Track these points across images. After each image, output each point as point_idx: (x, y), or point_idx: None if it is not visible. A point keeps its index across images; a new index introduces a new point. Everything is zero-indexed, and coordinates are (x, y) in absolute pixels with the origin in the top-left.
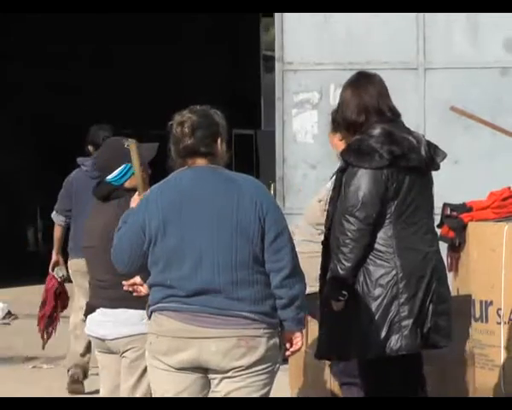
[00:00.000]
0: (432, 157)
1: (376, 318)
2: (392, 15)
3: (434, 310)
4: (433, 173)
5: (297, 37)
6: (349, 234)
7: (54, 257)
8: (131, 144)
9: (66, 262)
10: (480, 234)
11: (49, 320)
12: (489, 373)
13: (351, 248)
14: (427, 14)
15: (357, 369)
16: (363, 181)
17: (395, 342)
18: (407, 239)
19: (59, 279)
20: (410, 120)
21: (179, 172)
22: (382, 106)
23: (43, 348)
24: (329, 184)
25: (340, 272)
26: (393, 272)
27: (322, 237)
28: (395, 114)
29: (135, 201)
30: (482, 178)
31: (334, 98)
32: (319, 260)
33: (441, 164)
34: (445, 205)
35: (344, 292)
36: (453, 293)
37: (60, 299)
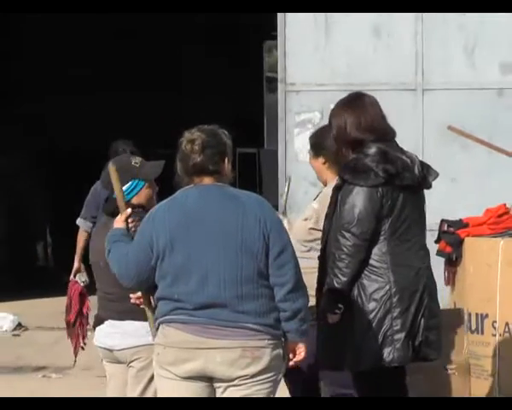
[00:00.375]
0: (424, 176)
1: (370, 331)
2: (391, 38)
3: (426, 324)
4: (432, 190)
5: (299, 59)
6: (345, 249)
7: (76, 264)
8: (111, 168)
9: (86, 269)
10: (477, 249)
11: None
12: (484, 383)
13: (347, 263)
14: (425, 36)
15: (352, 380)
16: (358, 198)
17: (387, 354)
18: (401, 255)
19: (82, 284)
20: (408, 139)
21: (186, 189)
22: (378, 126)
23: (76, 356)
24: (315, 204)
25: (336, 285)
26: (387, 287)
27: (309, 254)
28: (390, 134)
29: (117, 222)
30: (478, 196)
31: None
32: (307, 275)
33: (439, 181)
34: (442, 221)
35: (339, 305)
36: (450, 306)
37: (84, 305)
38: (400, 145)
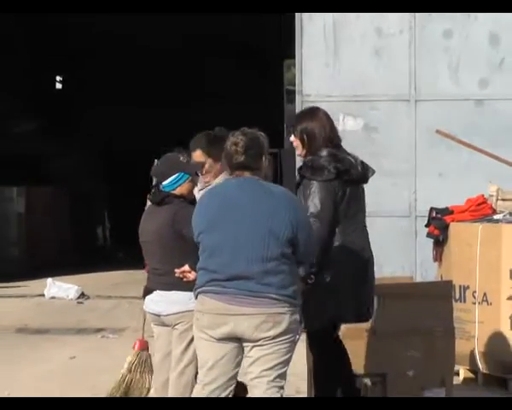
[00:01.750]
0: (365, 173)
1: (324, 295)
2: (388, 58)
3: (368, 292)
4: (422, 183)
5: (313, 75)
6: (316, 234)
7: None
8: None
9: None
10: (460, 232)
11: None
12: (466, 343)
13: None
14: (417, 57)
15: (307, 338)
16: (317, 191)
17: (336, 315)
18: (350, 235)
19: None
20: (403, 141)
21: (228, 179)
22: (330, 134)
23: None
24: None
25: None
26: (339, 261)
27: None
28: (338, 140)
29: None
30: (461, 188)
31: (342, 124)
32: None
33: (429, 176)
34: (431, 209)
35: (311, 277)
36: (437, 279)
37: None
38: (397, 146)
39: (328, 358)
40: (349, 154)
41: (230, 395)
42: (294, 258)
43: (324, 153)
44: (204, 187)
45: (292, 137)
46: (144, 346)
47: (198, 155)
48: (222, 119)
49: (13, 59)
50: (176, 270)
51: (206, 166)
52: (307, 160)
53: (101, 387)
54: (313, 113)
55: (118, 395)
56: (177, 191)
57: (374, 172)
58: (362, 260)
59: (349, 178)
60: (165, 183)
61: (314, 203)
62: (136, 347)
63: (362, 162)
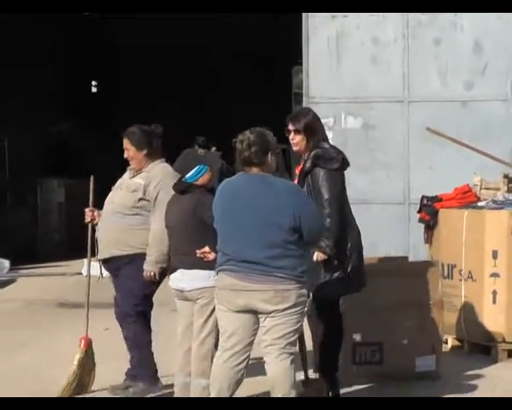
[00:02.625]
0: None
1: (335, 269)
2: (384, 64)
3: (361, 265)
4: (415, 174)
5: (318, 79)
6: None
7: None
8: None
9: None
10: (448, 217)
11: None
12: (453, 315)
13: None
14: (410, 63)
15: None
16: (329, 177)
17: (345, 286)
18: (347, 216)
19: None
20: (398, 137)
21: (238, 175)
22: (323, 130)
23: None
24: (140, 180)
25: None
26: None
27: (136, 216)
28: (327, 137)
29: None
30: (449, 178)
31: (344, 123)
32: (135, 231)
33: (421, 168)
34: (422, 197)
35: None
36: (428, 259)
37: None
38: (392, 142)
39: (336, 325)
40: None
41: (247, 360)
42: (302, 242)
43: (327, 145)
44: (132, 171)
45: (291, 135)
46: (89, 343)
47: (125, 143)
48: (238, 117)
49: (56, 65)
50: (197, 251)
51: (130, 153)
52: (319, 151)
53: None
54: (309, 113)
55: (72, 388)
56: (199, 182)
57: (349, 164)
58: (358, 237)
59: (345, 168)
60: (187, 176)
61: (328, 189)
62: (82, 345)
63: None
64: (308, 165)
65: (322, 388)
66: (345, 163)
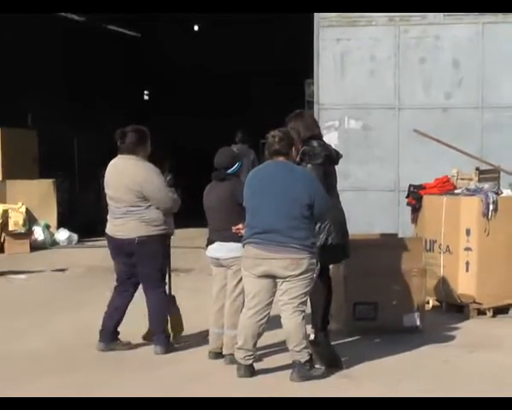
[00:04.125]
0: (338, 158)
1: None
2: (380, 77)
3: (346, 240)
4: (403, 167)
5: (326, 90)
6: None
7: None
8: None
9: None
10: (430, 202)
11: None
12: (434, 281)
13: None
14: (400, 77)
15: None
16: (313, 170)
17: (336, 256)
18: (333, 200)
19: None
20: (390, 137)
21: (267, 162)
22: (315, 130)
23: None
24: None
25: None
26: (327, 221)
27: None
28: (321, 135)
29: None
30: (431, 170)
31: (347, 125)
32: None
33: (409, 162)
34: (410, 185)
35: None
36: (414, 235)
37: None
38: (385, 140)
39: (325, 287)
40: (328, 144)
41: (267, 317)
42: (312, 219)
43: (315, 143)
44: None
45: None
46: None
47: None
48: (263, 121)
49: (116, 77)
50: (232, 227)
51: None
52: (305, 148)
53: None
54: (303, 115)
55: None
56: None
57: (341, 156)
58: (343, 217)
59: (331, 161)
60: (229, 171)
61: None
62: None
63: (335, 150)
64: (297, 159)
65: (323, 353)
66: (329, 158)
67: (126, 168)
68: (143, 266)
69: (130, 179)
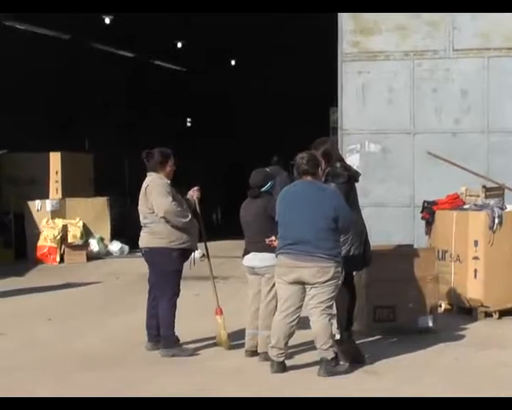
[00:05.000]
0: (358, 176)
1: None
2: (398, 105)
3: (367, 250)
4: (419, 184)
5: (349, 117)
6: None
7: None
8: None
9: None
10: (442, 216)
11: None
12: (445, 287)
13: None
14: (416, 105)
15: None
16: (339, 189)
17: (350, 266)
18: (355, 215)
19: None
20: (406, 158)
21: (297, 181)
22: (338, 154)
23: None
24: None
25: None
26: (349, 234)
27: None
28: (342, 157)
29: None
30: (443, 188)
31: (368, 148)
32: None
33: (424, 180)
34: (424, 201)
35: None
36: (428, 246)
37: None
38: (402, 162)
39: (349, 291)
40: (348, 165)
41: (297, 319)
42: (337, 231)
43: (338, 165)
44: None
45: None
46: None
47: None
48: (295, 142)
49: (161, 106)
50: (266, 239)
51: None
52: (329, 169)
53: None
54: (327, 141)
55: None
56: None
57: (360, 174)
58: (364, 230)
59: (352, 181)
60: (263, 189)
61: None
62: (218, 312)
63: (355, 170)
64: (322, 179)
65: (348, 350)
66: (350, 178)
67: (146, 183)
68: (153, 274)
69: (144, 192)
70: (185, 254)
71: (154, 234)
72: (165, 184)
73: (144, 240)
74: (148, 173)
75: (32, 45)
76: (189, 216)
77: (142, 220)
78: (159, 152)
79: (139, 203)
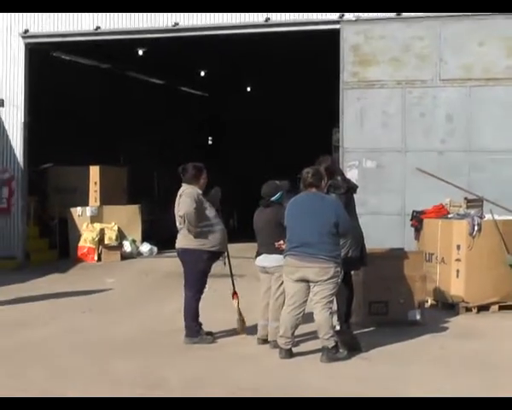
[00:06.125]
0: (356, 188)
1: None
2: (391, 127)
3: (364, 253)
4: (409, 196)
5: (349, 137)
6: None
7: None
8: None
9: None
10: (429, 224)
11: None
12: (431, 285)
13: None
14: (406, 128)
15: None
16: (337, 198)
17: (348, 266)
18: (353, 221)
19: None
20: (398, 175)
21: (303, 193)
22: (338, 169)
23: None
24: None
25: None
26: (348, 238)
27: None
28: (343, 172)
29: None
30: (430, 200)
31: (365, 164)
32: None
33: (415, 192)
34: (413, 211)
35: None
36: (417, 250)
37: None
38: (395, 176)
39: (348, 288)
40: (348, 178)
41: (302, 312)
42: (337, 236)
43: (338, 178)
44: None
45: None
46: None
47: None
48: (302, 159)
49: (187, 126)
50: (275, 243)
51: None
52: (331, 182)
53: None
54: (329, 158)
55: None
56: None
57: (357, 187)
58: (361, 235)
59: (352, 192)
60: (273, 199)
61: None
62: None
63: (354, 183)
64: (325, 190)
65: (346, 340)
66: (349, 190)
67: (181, 191)
68: (184, 270)
69: (178, 199)
70: (215, 256)
71: (187, 236)
72: (195, 192)
73: (179, 241)
74: (183, 185)
75: (76, 74)
76: (198, 230)
77: (178, 224)
78: (193, 167)
79: (175, 209)
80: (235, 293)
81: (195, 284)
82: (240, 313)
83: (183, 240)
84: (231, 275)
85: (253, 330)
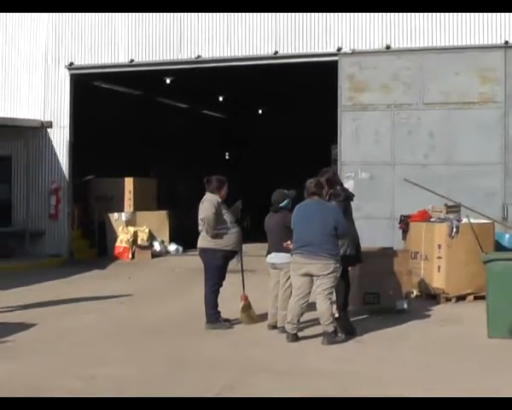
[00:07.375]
0: (353, 197)
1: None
2: (382, 143)
3: (359, 251)
4: (398, 202)
5: (346, 151)
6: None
7: None
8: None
9: None
10: (415, 227)
11: None
12: (417, 278)
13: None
14: (395, 143)
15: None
16: (337, 205)
17: (346, 262)
18: (350, 225)
19: None
20: (388, 184)
21: (307, 200)
22: (337, 180)
23: None
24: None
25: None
26: (346, 239)
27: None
28: (341, 183)
29: None
30: (415, 206)
31: (360, 175)
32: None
33: (402, 199)
34: (401, 215)
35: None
36: (404, 249)
37: None
38: (385, 186)
39: (345, 282)
40: (346, 188)
41: (307, 302)
42: (337, 236)
43: (338, 187)
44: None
45: None
46: (246, 299)
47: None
48: (306, 171)
49: (207, 144)
50: (283, 243)
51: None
52: (331, 191)
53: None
54: (329, 170)
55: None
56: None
57: (354, 195)
58: (356, 236)
59: (350, 200)
60: (281, 205)
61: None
62: (243, 298)
63: (351, 192)
64: (326, 198)
65: (344, 325)
66: (347, 198)
67: (204, 198)
68: (203, 266)
69: (201, 205)
70: (229, 254)
71: (205, 237)
72: (215, 199)
73: (199, 242)
74: (206, 193)
75: (113, 99)
76: (215, 232)
77: (199, 227)
78: (216, 179)
79: (198, 213)
80: (244, 295)
81: (213, 277)
82: (245, 311)
83: (202, 241)
84: (242, 278)
85: (263, 317)
